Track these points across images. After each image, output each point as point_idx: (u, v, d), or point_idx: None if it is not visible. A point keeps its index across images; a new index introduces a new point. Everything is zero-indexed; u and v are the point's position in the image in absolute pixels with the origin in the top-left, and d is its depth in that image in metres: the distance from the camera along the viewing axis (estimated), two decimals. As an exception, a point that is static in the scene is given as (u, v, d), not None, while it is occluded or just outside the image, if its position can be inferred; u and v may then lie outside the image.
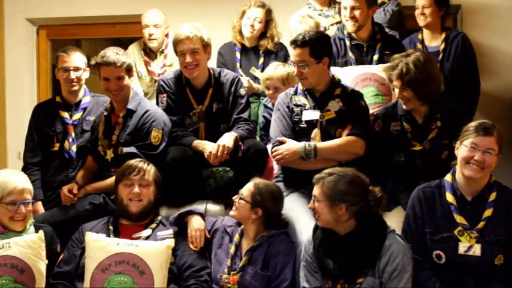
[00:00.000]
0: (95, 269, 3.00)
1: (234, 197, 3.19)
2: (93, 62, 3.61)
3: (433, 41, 4.24)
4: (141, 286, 2.96)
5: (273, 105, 3.89)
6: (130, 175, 3.26)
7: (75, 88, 3.88)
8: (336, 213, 2.80)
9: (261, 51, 4.37)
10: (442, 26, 4.27)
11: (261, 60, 4.36)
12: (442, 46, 4.19)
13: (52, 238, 3.23)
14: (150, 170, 3.31)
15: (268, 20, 4.36)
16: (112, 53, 3.56)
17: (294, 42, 3.41)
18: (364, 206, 2.83)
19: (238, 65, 4.37)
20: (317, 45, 3.38)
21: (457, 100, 3.78)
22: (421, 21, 4.20)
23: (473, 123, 2.96)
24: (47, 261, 3.10)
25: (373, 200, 2.85)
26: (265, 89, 4.03)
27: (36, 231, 3.19)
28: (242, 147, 3.55)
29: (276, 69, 3.95)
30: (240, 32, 4.39)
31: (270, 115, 3.84)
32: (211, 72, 3.82)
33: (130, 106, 3.63)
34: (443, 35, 4.22)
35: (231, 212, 3.19)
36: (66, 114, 3.89)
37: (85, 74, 3.90)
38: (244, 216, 3.15)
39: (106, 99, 3.95)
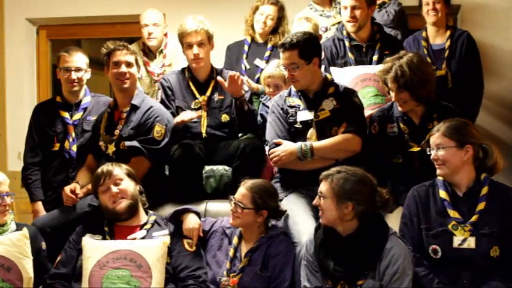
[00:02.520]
0: (94, 267, 3.02)
1: (230, 208, 3.13)
2: (104, 50, 3.66)
3: (438, 39, 4.21)
4: (139, 278, 2.97)
5: None
6: (102, 181, 3.22)
7: (76, 89, 3.88)
8: (342, 211, 2.78)
9: (269, 45, 4.38)
10: (446, 24, 4.26)
11: (267, 53, 4.36)
12: (448, 43, 4.16)
13: (35, 236, 3.24)
14: (118, 167, 3.26)
15: (280, 16, 4.38)
16: (123, 42, 3.72)
17: (282, 46, 3.41)
18: (370, 207, 2.82)
19: (244, 56, 4.40)
20: (305, 46, 3.38)
21: (461, 100, 3.78)
22: (431, 17, 4.14)
23: None
24: (32, 258, 3.12)
25: (379, 201, 2.84)
26: (265, 87, 4.03)
27: (18, 229, 3.21)
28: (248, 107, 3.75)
29: (278, 68, 3.95)
30: (252, 27, 4.42)
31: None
32: (213, 67, 3.93)
33: (134, 102, 3.66)
34: (448, 33, 4.20)
35: (232, 221, 3.13)
36: (66, 114, 3.89)
37: (86, 75, 3.90)
38: (249, 223, 3.12)
39: (107, 99, 3.96)
